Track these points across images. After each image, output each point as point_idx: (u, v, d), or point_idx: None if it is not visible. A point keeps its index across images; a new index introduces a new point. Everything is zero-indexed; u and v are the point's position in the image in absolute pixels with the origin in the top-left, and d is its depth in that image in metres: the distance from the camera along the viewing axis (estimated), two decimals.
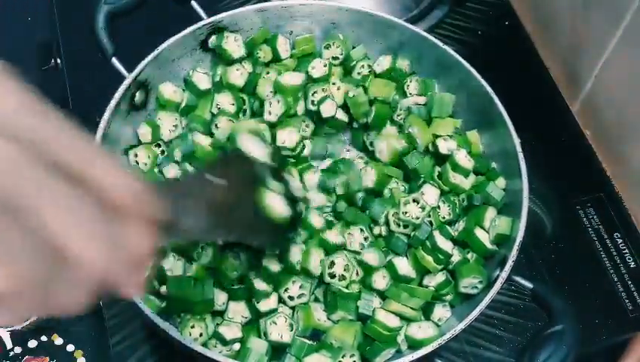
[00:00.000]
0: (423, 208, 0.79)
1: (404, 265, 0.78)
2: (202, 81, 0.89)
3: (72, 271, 0.31)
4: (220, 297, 0.75)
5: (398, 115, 0.88)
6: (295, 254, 0.77)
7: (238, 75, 0.89)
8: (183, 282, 0.74)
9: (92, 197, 0.33)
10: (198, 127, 0.86)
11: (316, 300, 0.78)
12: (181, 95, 0.88)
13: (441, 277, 0.78)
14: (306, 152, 0.87)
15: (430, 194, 0.81)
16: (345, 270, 0.76)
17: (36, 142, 0.31)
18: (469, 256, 0.79)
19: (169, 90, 0.87)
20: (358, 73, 0.91)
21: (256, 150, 0.67)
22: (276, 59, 0.92)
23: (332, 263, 0.76)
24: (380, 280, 0.77)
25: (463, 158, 0.83)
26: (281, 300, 0.77)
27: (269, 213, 0.62)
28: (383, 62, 0.91)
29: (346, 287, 0.76)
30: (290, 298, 0.76)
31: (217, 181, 0.56)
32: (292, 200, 0.65)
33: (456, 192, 0.83)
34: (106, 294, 0.35)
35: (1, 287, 0.28)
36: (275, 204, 0.63)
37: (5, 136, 0.30)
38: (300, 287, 0.76)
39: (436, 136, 0.85)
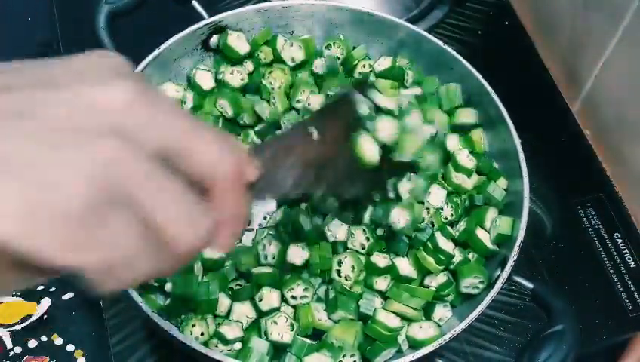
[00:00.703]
0: (428, 210, 0.79)
1: (405, 266, 0.78)
2: (205, 80, 0.89)
3: (172, 251, 0.35)
4: (224, 302, 0.75)
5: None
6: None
7: (237, 78, 0.89)
8: (188, 280, 0.74)
9: (192, 183, 0.36)
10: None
11: (317, 300, 0.78)
12: (183, 94, 0.88)
13: (442, 278, 0.78)
14: None
15: (437, 194, 0.81)
16: (352, 270, 0.76)
17: (144, 133, 0.34)
18: (469, 256, 0.79)
19: (171, 90, 0.87)
20: (359, 73, 0.91)
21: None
22: (277, 59, 0.92)
23: (340, 262, 0.77)
24: (382, 281, 0.77)
25: (464, 158, 0.83)
26: (283, 299, 0.77)
27: (362, 160, 0.61)
28: (384, 62, 0.91)
29: (350, 287, 0.76)
30: (293, 297, 0.76)
31: (314, 133, 0.56)
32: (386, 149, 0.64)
33: (458, 192, 0.83)
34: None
35: (101, 263, 0.33)
36: (368, 150, 0.62)
37: (117, 136, 0.32)
38: (304, 289, 0.76)
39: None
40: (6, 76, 0.33)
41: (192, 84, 0.88)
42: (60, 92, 0.33)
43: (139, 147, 0.33)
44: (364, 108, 0.63)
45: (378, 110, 0.64)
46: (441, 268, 0.77)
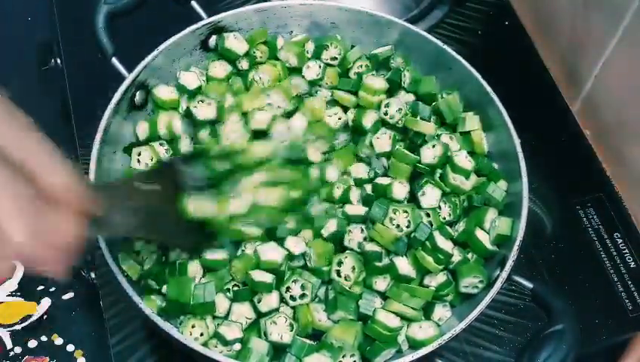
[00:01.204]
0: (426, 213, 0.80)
1: (404, 265, 0.78)
2: (191, 80, 0.88)
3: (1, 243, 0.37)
4: (223, 304, 0.75)
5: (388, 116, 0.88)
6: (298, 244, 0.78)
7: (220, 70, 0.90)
8: (183, 283, 0.74)
9: (29, 184, 0.39)
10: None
11: (317, 301, 0.78)
12: (177, 95, 0.88)
13: (442, 278, 0.77)
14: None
15: (431, 194, 0.81)
16: (352, 270, 0.76)
17: None
18: (469, 255, 0.79)
19: (165, 93, 0.87)
20: (355, 73, 0.91)
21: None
22: (274, 58, 0.92)
23: (340, 262, 0.77)
24: (381, 281, 0.77)
25: (463, 159, 0.82)
26: (282, 299, 0.77)
27: (187, 215, 0.69)
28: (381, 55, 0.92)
29: (349, 288, 0.76)
30: (292, 298, 0.76)
31: (146, 187, 0.63)
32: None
33: (456, 193, 0.83)
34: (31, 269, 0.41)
35: None
36: (193, 208, 0.70)
37: None
38: (302, 287, 0.76)
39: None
40: None
41: (178, 87, 0.88)
42: None
43: None
44: (188, 179, 0.70)
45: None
46: (440, 267, 0.77)
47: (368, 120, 0.87)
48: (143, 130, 0.86)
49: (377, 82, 0.88)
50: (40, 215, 0.40)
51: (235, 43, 0.90)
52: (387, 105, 0.87)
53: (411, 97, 0.89)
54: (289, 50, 0.91)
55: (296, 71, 0.91)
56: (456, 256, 0.79)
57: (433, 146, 0.83)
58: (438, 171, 0.84)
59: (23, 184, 0.39)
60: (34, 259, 0.41)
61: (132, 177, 0.73)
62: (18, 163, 0.39)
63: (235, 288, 0.77)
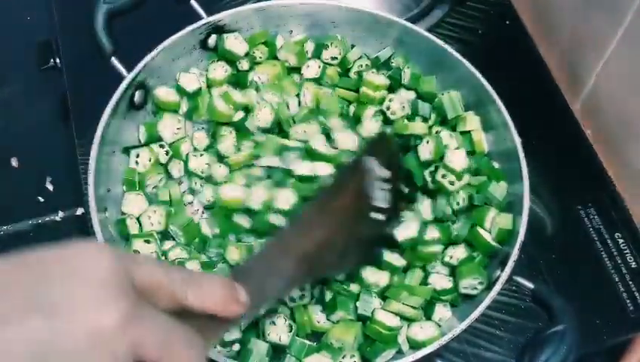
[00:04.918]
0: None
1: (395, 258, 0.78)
2: (190, 82, 0.88)
3: None
4: None
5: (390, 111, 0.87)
6: None
7: (220, 71, 0.90)
8: None
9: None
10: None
11: (315, 302, 0.78)
12: (176, 96, 0.88)
13: (447, 284, 0.77)
14: None
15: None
16: None
17: (130, 349, 0.39)
18: (474, 253, 0.79)
19: (164, 94, 0.87)
20: (355, 73, 0.91)
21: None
22: (273, 57, 0.92)
23: None
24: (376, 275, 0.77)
25: (457, 158, 0.82)
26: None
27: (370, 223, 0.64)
28: (382, 57, 0.92)
29: (348, 287, 0.76)
30: (292, 299, 0.76)
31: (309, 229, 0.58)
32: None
33: (444, 193, 0.82)
34: None
35: None
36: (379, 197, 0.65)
37: (111, 355, 0.38)
38: (301, 288, 0.76)
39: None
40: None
41: (177, 88, 0.88)
42: (48, 320, 0.37)
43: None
44: (376, 177, 0.64)
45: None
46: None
47: (368, 114, 0.86)
48: (142, 133, 0.86)
49: (378, 78, 0.88)
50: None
51: (236, 44, 0.90)
52: (390, 100, 0.87)
53: (412, 95, 0.89)
54: (288, 50, 0.90)
55: (295, 70, 0.91)
56: (461, 254, 0.79)
57: (427, 142, 0.83)
58: (434, 165, 0.83)
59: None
60: None
61: (290, 222, 0.64)
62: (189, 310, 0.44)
63: None
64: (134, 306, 0.39)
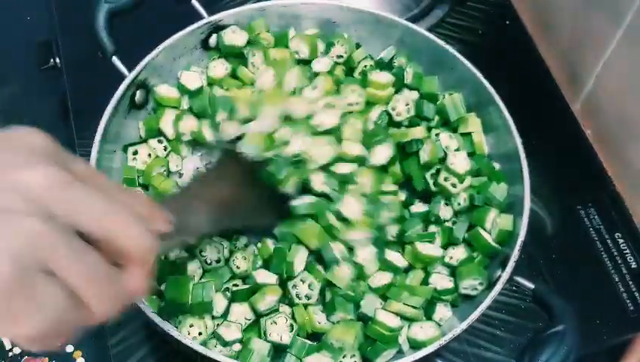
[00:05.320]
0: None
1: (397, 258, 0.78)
2: (192, 80, 0.88)
3: (89, 311, 0.41)
4: (220, 304, 0.75)
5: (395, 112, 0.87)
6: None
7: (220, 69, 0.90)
8: (181, 283, 0.74)
9: (104, 255, 0.41)
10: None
11: (316, 303, 0.78)
12: (177, 93, 0.88)
13: (448, 284, 0.77)
14: None
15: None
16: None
17: (63, 214, 0.39)
18: (474, 254, 0.79)
19: (163, 90, 0.87)
20: (360, 73, 0.91)
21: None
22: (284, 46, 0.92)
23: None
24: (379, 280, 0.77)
25: (460, 161, 0.82)
26: (287, 296, 0.76)
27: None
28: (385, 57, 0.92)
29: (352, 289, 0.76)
30: (298, 296, 0.76)
31: (212, 180, 0.64)
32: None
33: (446, 195, 0.82)
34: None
35: (33, 333, 0.38)
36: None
37: (40, 215, 0.37)
38: (309, 287, 0.76)
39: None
40: None
41: (179, 86, 0.88)
42: None
43: (59, 225, 0.38)
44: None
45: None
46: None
47: (372, 116, 0.86)
48: (142, 129, 0.86)
49: (383, 76, 0.88)
50: (113, 281, 0.42)
51: (234, 37, 0.90)
52: (396, 101, 0.87)
53: (415, 94, 0.89)
54: (302, 40, 0.90)
55: (303, 63, 0.91)
56: (461, 254, 0.79)
57: (427, 145, 0.83)
58: (435, 167, 0.83)
59: (102, 259, 0.41)
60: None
61: (194, 178, 0.72)
62: (95, 237, 0.41)
63: (235, 288, 0.77)
64: (67, 175, 0.39)
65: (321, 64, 0.89)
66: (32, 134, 0.41)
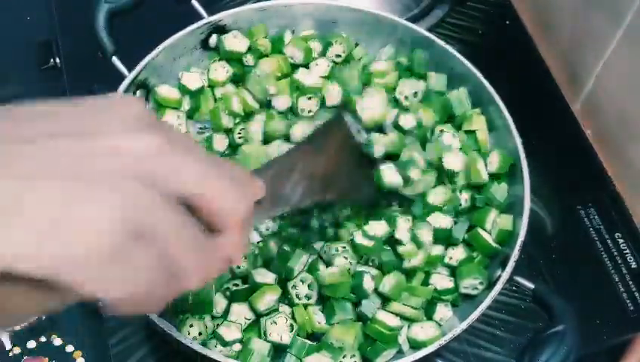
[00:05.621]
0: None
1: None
2: (192, 80, 0.88)
3: (183, 282, 0.40)
4: (220, 303, 0.75)
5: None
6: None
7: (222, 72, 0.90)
8: None
9: (201, 222, 0.41)
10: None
11: (315, 303, 0.78)
12: (177, 94, 0.88)
13: (448, 284, 0.77)
14: None
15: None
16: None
17: (164, 180, 0.38)
18: (474, 254, 0.79)
19: (166, 92, 0.87)
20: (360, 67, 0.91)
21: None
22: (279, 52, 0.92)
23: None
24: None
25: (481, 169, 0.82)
26: (287, 297, 0.76)
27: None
28: (382, 56, 0.92)
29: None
30: (298, 296, 0.76)
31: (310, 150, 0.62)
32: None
33: (449, 178, 0.83)
34: None
35: (123, 297, 0.37)
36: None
37: (142, 179, 0.37)
38: (309, 287, 0.76)
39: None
40: (35, 124, 0.37)
41: (179, 87, 0.88)
42: (87, 141, 0.37)
43: (160, 191, 0.37)
44: (354, 129, 0.69)
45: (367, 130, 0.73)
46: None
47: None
48: None
49: (381, 64, 0.89)
50: (210, 251, 0.42)
51: (235, 42, 0.90)
52: (403, 86, 0.87)
53: (421, 85, 0.88)
54: (296, 46, 0.90)
55: (300, 67, 0.91)
56: (461, 254, 0.79)
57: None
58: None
59: (198, 227, 0.41)
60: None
61: (289, 149, 0.68)
62: (192, 204, 0.40)
63: (235, 287, 0.77)
64: (167, 143, 0.39)
65: (319, 68, 0.89)
66: (131, 102, 0.40)
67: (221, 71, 0.89)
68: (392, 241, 0.78)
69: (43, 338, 0.83)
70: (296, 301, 0.76)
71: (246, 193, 0.44)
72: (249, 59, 0.90)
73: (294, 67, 0.90)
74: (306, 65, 0.90)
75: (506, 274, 0.72)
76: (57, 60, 1.02)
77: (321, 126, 0.70)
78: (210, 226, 0.42)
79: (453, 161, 0.82)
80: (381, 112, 0.82)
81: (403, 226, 0.77)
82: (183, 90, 0.88)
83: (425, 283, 0.78)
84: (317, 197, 0.62)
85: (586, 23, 0.99)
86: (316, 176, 0.60)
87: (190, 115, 0.88)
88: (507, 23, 1.10)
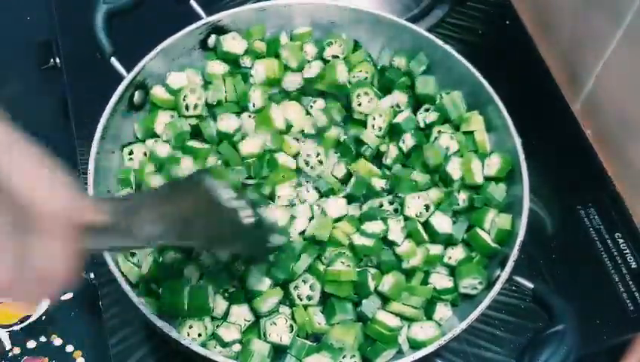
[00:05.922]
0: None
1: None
2: (178, 80, 0.88)
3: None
4: (220, 305, 0.75)
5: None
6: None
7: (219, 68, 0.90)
8: (177, 286, 0.73)
9: (9, 211, 0.37)
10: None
11: (316, 304, 0.77)
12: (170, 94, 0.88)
13: (447, 283, 0.77)
14: None
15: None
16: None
17: None
18: (473, 254, 0.79)
19: (159, 91, 0.87)
20: (354, 77, 0.90)
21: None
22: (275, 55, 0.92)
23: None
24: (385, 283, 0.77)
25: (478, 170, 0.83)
26: (289, 297, 0.76)
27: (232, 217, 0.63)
28: (383, 58, 0.92)
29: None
30: (299, 297, 0.76)
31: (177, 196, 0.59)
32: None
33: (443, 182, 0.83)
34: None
35: None
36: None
37: None
38: (311, 288, 0.76)
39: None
40: None
41: (165, 87, 0.88)
42: None
43: None
44: (222, 193, 0.63)
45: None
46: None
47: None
48: (137, 130, 0.86)
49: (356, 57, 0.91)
50: (28, 249, 0.38)
51: (234, 44, 0.90)
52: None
53: (405, 98, 0.89)
54: (291, 51, 0.90)
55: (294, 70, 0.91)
56: (460, 254, 0.79)
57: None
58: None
59: (4, 215, 0.37)
60: (21, 295, 0.40)
61: (158, 188, 0.68)
62: (8, 190, 0.37)
63: (233, 289, 0.76)
64: None
65: (311, 70, 0.89)
66: None
67: (218, 67, 0.89)
68: (388, 243, 0.78)
69: (43, 338, 0.83)
70: (298, 302, 0.75)
71: (63, 188, 0.40)
72: (246, 62, 0.90)
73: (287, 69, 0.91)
74: (300, 69, 0.90)
75: (505, 274, 0.72)
76: (57, 60, 1.02)
77: (181, 181, 0.70)
78: (26, 222, 0.38)
79: (453, 169, 0.82)
80: None
81: (395, 227, 0.77)
82: (169, 90, 0.87)
83: (424, 282, 0.78)
84: (182, 240, 0.61)
85: (586, 23, 0.99)
86: (179, 218, 0.58)
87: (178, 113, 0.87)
88: (507, 23, 1.10)
